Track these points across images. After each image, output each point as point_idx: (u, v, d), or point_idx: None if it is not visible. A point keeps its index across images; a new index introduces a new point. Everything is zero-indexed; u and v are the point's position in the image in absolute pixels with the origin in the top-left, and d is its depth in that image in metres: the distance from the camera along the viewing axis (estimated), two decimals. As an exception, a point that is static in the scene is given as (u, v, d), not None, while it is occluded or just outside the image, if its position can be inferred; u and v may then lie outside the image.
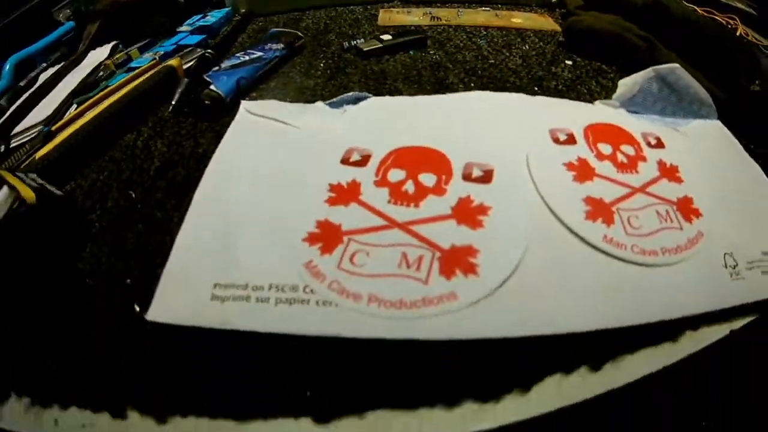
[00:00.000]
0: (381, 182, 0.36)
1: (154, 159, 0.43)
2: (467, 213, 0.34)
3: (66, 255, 0.34)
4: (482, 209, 0.35)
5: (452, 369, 0.28)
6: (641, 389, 0.30)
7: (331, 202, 0.35)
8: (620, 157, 0.42)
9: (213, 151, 0.41)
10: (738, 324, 0.33)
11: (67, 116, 0.48)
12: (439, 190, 0.36)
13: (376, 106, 0.45)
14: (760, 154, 0.47)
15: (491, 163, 0.38)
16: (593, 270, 0.33)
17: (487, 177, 0.37)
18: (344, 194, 0.35)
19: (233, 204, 0.35)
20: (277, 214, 0.34)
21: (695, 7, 0.72)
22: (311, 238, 0.32)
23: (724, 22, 0.83)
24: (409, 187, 0.36)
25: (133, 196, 0.39)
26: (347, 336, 0.28)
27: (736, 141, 0.48)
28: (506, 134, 0.42)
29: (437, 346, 0.28)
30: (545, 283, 0.31)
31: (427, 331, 0.28)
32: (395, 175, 0.37)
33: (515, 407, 0.27)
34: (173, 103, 0.47)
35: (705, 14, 0.72)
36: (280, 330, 0.28)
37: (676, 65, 0.49)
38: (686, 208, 0.39)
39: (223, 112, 0.47)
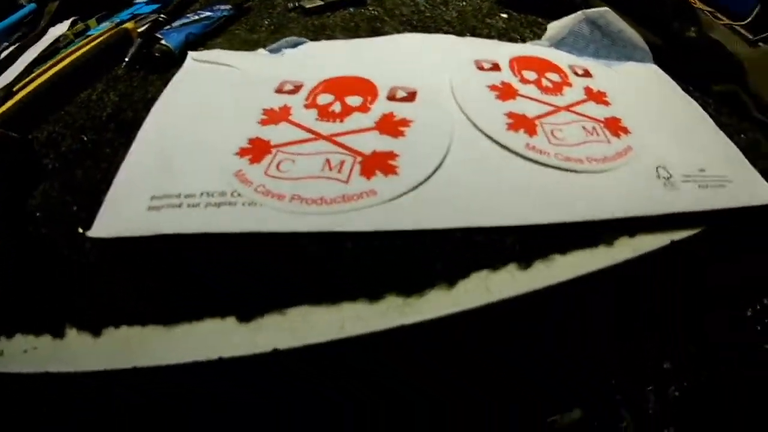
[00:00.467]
0: (310, 105, 0.39)
1: (107, 107, 0.45)
2: (390, 125, 0.37)
3: (20, 192, 0.36)
4: (404, 122, 0.37)
5: (374, 262, 0.29)
6: (577, 291, 0.31)
7: (263, 123, 0.37)
8: (545, 83, 0.44)
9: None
10: (679, 236, 0.33)
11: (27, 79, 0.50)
12: (364, 108, 0.38)
13: (312, 48, 0.48)
14: (697, 97, 0.48)
15: (415, 85, 0.41)
16: (516, 173, 0.35)
17: (410, 97, 0.40)
18: (275, 116, 0.37)
19: (174, 131, 0.38)
20: (213, 136, 0.36)
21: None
22: (242, 152, 0.34)
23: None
24: (336, 107, 0.38)
25: (85, 138, 0.41)
26: (270, 230, 0.29)
27: (674, 82, 0.50)
28: (432, 63, 0.44)
29: (359, 240, 0.30)
30: (466, 183, 0.33)
31: (346, 225, 0.30)
32: (324, 99, 0.39)
33: (440, 302, 0.28)
34: (126, 59, 0.50)
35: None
36: (208, 230, 0.30)
37: (606, 9, 0.51)
38: (614, 126, 0.40)
39: (172, 65, 0.49)
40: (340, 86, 0.40)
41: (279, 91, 0.40)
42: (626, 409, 0.38)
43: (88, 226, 0.32)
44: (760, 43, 0.62)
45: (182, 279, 0.29)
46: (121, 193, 0.33)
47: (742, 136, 0.44)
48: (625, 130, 0.40)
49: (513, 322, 0.32)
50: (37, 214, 0.34)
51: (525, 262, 0.30)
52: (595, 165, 0.36)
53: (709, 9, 0.74)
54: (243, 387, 0.28)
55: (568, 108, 0.41)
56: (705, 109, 0.47)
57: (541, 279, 0.30)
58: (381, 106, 0.38)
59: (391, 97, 0.39)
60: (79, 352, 0.26)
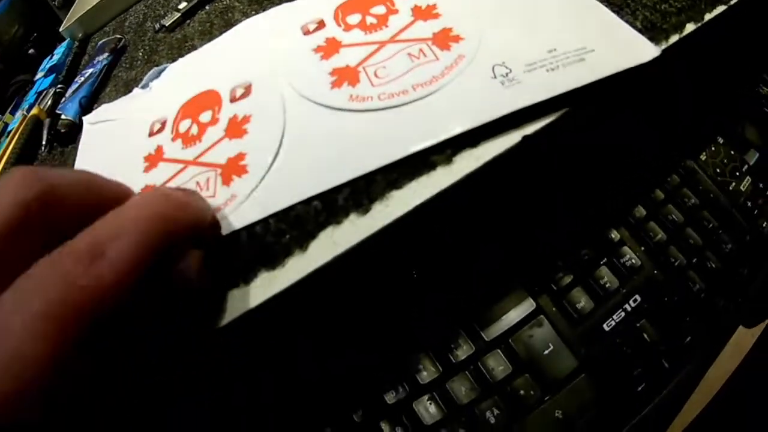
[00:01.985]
0: (175, 136, 0.45)
1: None
2: (235, 128, 0.42)
3: None
4: (245, 120, 0.42)
5: (241, 254, 0.35)
6: (424, 218, 0.34)
7: (147, 170, 0.44)
8: (369, 20, 0.45)
9: None
10: (533, 128, 0.34)
11: None
12: (213, 121, 0.44)
13: (171, 73, 0.53)
14: None
15: (248, 78, 0.45)
16: (345, 130, 0.37)
17: (247, 92, 0.45)
18: (153, 160, 0.44)
19: None
20: None
21: None
22: None
23: None
24: (194, 129, 0.44)
25: None
26: None
27: None
28: (265, 47, 0.49)
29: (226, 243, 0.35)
30: (302, 159, 0.37)
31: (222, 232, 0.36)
32: (183, 125, 0.45)
33: (299, 267, 0.33)
34: (44, 144, 0.58)
35: None
36: None
37: None
38: (444, 39, 0.41)
39: (78, 131, 0.56)
40: (193, 107, 0.46)
41: (151, 134, 0.46)
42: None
43: None
44: None
45: None
46: None
47: None
48: (456, 38, 0.40)
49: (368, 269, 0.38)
50: None
51: (362, 208, 0.34)
52: (423, 90, 0.37)
53: None
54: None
55: (392, 39, 0.43)
56: None
57: (382, 218, 0.33)
58: (226, 112, 0.44)
59: (233, 99, 0.45)
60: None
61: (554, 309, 0.46)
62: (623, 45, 0.37)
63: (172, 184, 0.41)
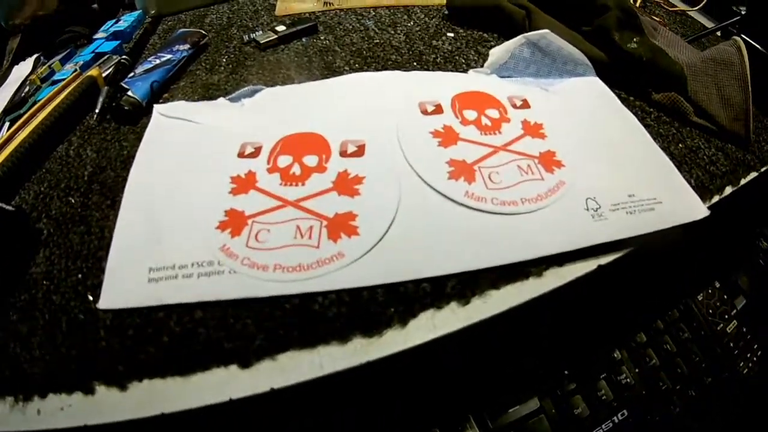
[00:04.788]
0: (272, 169, 0.43)
1: (87, 165, 0.49)
2: (345, 184, 0.42)
3: (22, 262, 0.40)
4: (357, 180, 0.42)
5: (342, 313, 0.35)
6: (514, 318, 0.36)
7: (234, 192, 0.42)
8: (484, 121, 0.48)
9: (135, 153, 0.47)
10: (606, 260, 0.38)
11: (2, 136, 0.54)
12: (320, 168, 0.43)
13: (268, 97, 0.52)
14: (638, 107, 0.53)
15: (363, 138, 0.46)
16: (457, 222, 0.39)
17: (360, 151, 0.45)
18: (243, 184, 0.42)
19: (155, 199, 0.42)
20: (192, 206, 0.41)
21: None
22: (222, 226, 0.39)
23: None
24: (296, 169, 0.43)
25: (73, 201, 0.45)
26: (259, 296, 0.35)
27: (613, 95, 0.53)
28: (379, 110, 0.49)
29: (331, 296, 0.35)
30: (415, 237, 0.38)
31: (324, 285, 0.35)
32: (283, 161, 0.44)
33: (396, 340, 0.34)
34: (97, 111, 0.53)
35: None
36: (203, 299, 0.35)
37: (547, 31, 0.54)
38: (548, 161, 0.44)
39: (141, 115, 0.53)
40: (296, 145, 0.45)
41: (241, 155, 0.45)
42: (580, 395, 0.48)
43: (94, 292, 0.37)
44: (717, 30, 0.65)
45: (192, 335, 0.34)
46: (120, 265, 0.38)
47: (680, 145, 0.49)
48: (559, 164, 0.44)
49: (459, 348, 0.38)
50: (45, 282, 0.39)
51: (464, 300, 0.36)
52: (528, 205, 0.40)
53: (659, 0, 0.79)
54: (250, 421, 0.35)
55: (505, 147, 0.45)
56: (645, 119, 0.51)
57: (478, 313, 0.35)
58: (335, 164, 0.43)
59: (343, 153, 0.44)
60: (110, 405, 0.32)
61: (554, 411, 0.49)
62: (683, 202, 0.42)
63: (265, 219, 0.40)
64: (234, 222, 0.40)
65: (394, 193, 0.41)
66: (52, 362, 0.33)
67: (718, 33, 0.68)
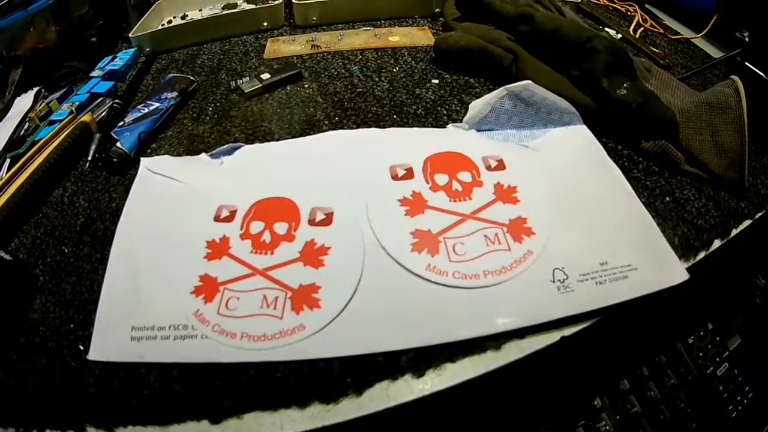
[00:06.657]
0: (245, 235, 0.46)
1: (79, 215, 0.52)
2: (311, 255, 0.44)
3: (19, 307, 0.44)
4: (323, 250, 0.45)
5: (301, 380, 0.38)
6: (469, 389, 0.37)
7: (209, 257, 0.45)
8: (455, 186, 0.48)
9: (123, 206, 0.51)
10: (571, 331, 0.38)
11: (2, 177, 0.57)
12: (289, 237, 0.46)
13: (246, 156, 0.55)
14: (625, 157, 0.51)
15: (332, 206, 0.48)
16: (417, 296, 0.40)
17: (328, 219, 0.47)
18: (218, 249, 0.46)
19: (138, 260, 0.46)
20: (171, 268, 0.45)
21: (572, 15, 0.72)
22: (197, 291, 0.43)
23: (623, 9, 0.85)
24: (266, 237, 0.46)
25: (66, 251, 0.49)
26: (226, 362, 0.39)
27: (599, 145, 0.52)
28: (350, 176, 0.51)
29: (292, 365, 0.38)
30: (374, 311, 0.40)
31: (284, 356, 0.38)
32: (255, 227, 0.47)
33: (351, 407, 0.36)
34: (89, 159, 0.57)
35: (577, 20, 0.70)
36: (177, 360, 0.39)
37: (528, 81, 0.53)
38: (518, 229, 0.44)
39: (130, 166, 0.56)
40: (268, 211, 0.48)
41: (217, 218, 0.48)
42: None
43: (85, 343, 0.40)
44: (721, 62, 0.64)
45: (168, 391, 0.38)
46: (108, 320, 0.41)
47: (667, 198, 0.48)
48: (528, 232, 0.43)
49: (413, 421, 0.40)
50: (41, 328, 0.42)
51: (418, 372, 0.37)
52: (492, 278, 0.40)
53: (660, 30, 0.78)
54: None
55: (474, 215, 0.45)
56: (632, 170, 0.50)
57: (432, 385, 0.37)
58: (304, 232, 0.46)
59: (312, 221, 0.47)
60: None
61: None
62: (660, 266, 0.41)
63: (236, 287, 0.43)
64: (207, 288, 0.43)
65: (357, 265, 0.43)
66: (47, 402, 0.38)
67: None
